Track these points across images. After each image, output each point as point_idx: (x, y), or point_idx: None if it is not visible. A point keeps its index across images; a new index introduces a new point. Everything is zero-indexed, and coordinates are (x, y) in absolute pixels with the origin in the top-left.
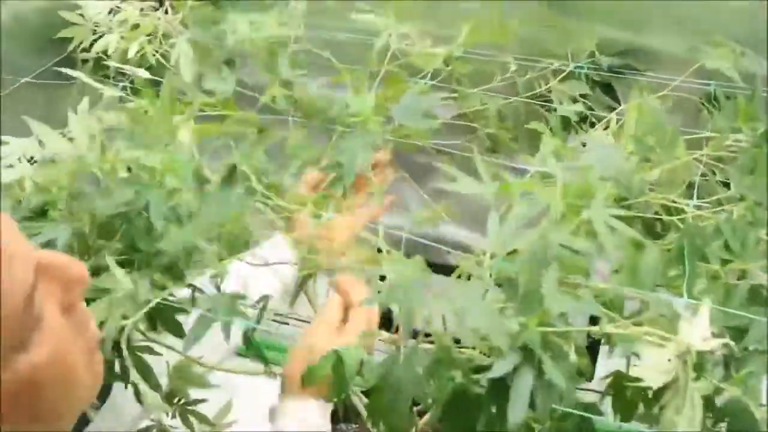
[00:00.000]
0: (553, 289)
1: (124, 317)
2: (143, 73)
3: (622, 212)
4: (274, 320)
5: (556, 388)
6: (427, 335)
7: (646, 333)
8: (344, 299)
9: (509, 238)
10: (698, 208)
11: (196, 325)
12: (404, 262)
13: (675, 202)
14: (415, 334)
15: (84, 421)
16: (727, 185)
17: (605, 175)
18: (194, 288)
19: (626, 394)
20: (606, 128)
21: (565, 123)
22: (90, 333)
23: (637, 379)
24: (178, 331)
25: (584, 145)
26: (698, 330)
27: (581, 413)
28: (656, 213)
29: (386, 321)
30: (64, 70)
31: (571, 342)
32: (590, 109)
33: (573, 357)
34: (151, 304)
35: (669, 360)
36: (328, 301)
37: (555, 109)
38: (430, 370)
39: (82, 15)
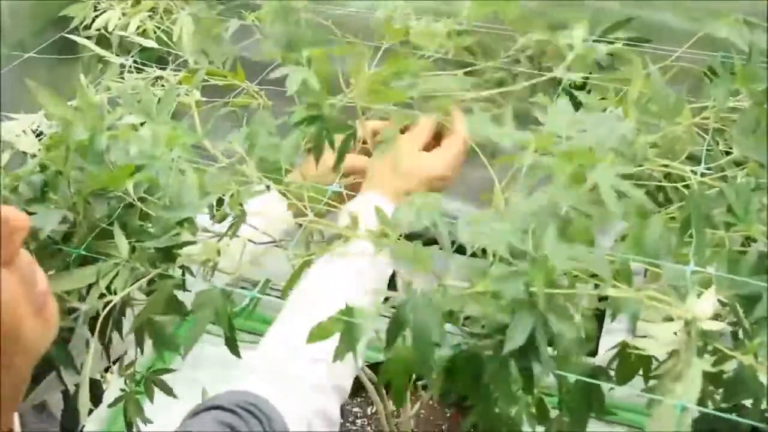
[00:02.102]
0: (557, 246)
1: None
2: (150, 43)
3: (629, 171)
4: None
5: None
6: None
7: (651, 298)
8: (440, 125)
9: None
10: (702, 175)
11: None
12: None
13: (680, 170)
14: None
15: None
16: (730, 153)
17: (607, 142)
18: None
19: (630, 362)
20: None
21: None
22: (38, 284)
23: (642, 349)
24: (176, 310)
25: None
26: (705, 303)
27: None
28: (658, 182)
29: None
30: (73, 37)
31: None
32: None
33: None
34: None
35: (675, 333)
36: (422, 121)
37: (560, 82)
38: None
39: None
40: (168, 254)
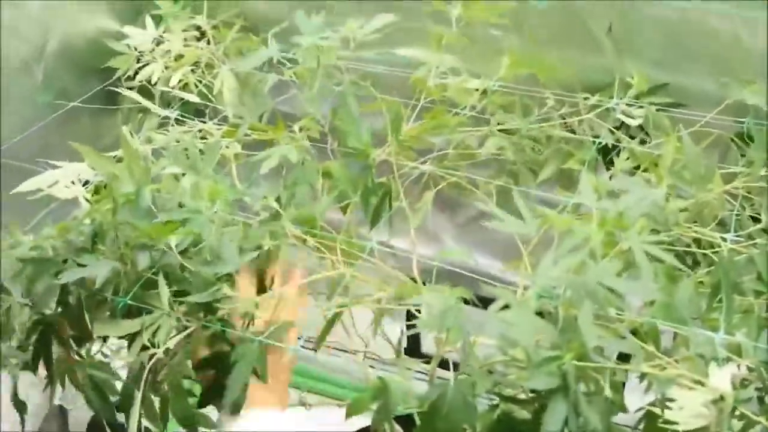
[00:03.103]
0: (590, 323)
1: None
2: (192, 97)
3: (660, 239)
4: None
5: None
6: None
7: (680, 375)
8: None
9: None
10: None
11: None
12: (446, 290)
13: (710, 236)
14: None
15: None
16: (756, 220)
17: (639, 209)
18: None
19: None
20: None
21: (604, 155)
22: None
23: (670, 421)
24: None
25: (611, 178)
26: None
27: None
28: (687, 246)
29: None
30: (119, 90)
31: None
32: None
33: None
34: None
35: (704, 406)
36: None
37: (587, 144)
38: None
39: (128, 45)
40: (209, 308)
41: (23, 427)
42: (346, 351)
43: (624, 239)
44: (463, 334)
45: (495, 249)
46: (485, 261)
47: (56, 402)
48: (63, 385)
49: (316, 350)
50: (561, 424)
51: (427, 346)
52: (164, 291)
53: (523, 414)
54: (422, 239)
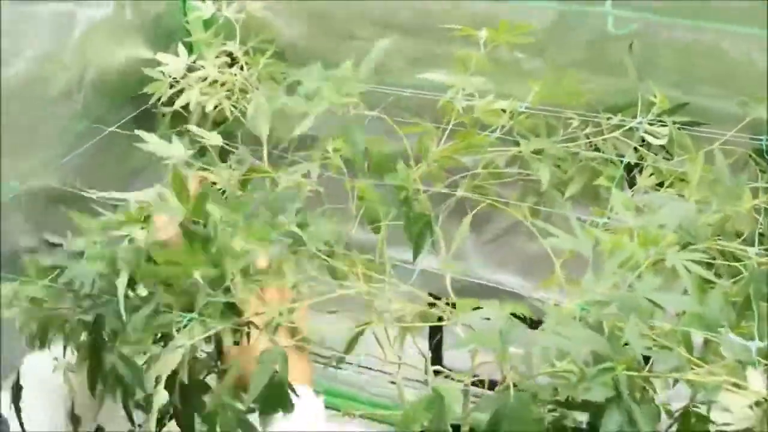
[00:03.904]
0: (637, 335)
1: None
2: (216, 139)
3: (696, 256)
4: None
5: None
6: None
7: (725, 381)
8: None
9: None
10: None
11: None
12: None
13: (736, 249)
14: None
15: None
16: None
17: (673, 223)
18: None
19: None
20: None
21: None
22: None
23: (707, 419)
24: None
25: (633, 194)
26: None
27: None
28: (713, 259)
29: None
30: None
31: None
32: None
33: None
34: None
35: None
36: None
37: (612, 162)
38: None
39: (161, 71)
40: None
41: None
42: (370, 369)
43: (661, 253)
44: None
45: (517, 266)
46: (509, 278)
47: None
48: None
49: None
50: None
51: (448, 359)
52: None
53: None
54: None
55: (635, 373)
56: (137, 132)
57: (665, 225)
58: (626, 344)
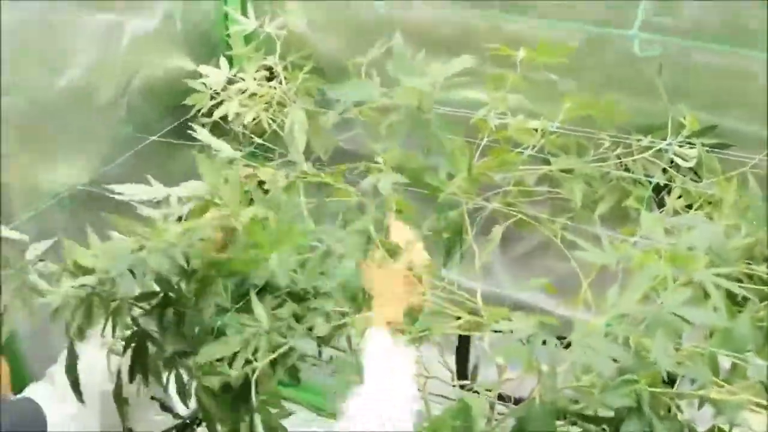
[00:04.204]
0: (664, 351)
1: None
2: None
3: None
4: None
5: None
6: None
7: (749, 402)
8: None
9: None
10: None
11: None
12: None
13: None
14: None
15: None
16: None
17: (702, 246)
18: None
19: None
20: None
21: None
22: None
23: None
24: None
25: (661, 211)
26: None
27: None
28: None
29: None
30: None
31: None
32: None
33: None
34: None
35: None
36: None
37: (641, 183)
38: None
39: (203, 83)
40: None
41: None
42: None
43: (689, 272)
44: (549, 360)
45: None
46: (535, 296)
47: None
48: None
49: None
50: None
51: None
52: (259, 309)
53: None
54: (473, 271)
55: (658, 390)
56: (191, 129)
57: (695, 246)
58: (653, 363)
